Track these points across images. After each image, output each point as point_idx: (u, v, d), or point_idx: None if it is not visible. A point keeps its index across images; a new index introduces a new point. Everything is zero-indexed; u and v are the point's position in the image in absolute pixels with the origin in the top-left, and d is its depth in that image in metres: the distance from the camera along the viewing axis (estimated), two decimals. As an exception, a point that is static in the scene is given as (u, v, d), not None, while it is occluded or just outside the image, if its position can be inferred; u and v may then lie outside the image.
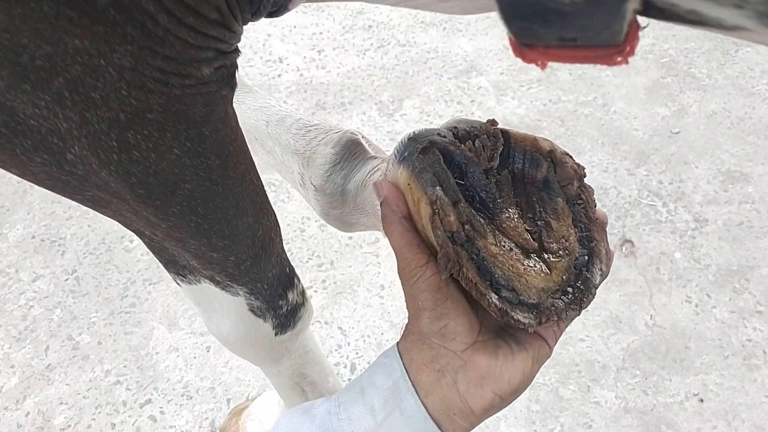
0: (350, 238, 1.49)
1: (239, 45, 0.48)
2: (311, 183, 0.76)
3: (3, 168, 0.49)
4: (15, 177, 1.74)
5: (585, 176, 0.49)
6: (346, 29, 2.09)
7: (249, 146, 0.57)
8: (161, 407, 1.26)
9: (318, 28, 2.09)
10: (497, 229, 0.45)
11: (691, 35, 1.91)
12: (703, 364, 1.21)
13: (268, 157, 0.83)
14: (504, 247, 0.45)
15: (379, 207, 0.50)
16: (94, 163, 0.46)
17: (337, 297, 1.39)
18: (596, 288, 0.46)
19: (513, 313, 0.43)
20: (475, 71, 1.89)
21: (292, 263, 1.52)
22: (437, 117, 1.77)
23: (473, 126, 0.49)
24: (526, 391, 1.18)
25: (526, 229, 0.46)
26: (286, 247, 1.53)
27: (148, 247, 0.62)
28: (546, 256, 0.46)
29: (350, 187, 0.73)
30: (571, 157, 0.49)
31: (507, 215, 0.46)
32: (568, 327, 1.33)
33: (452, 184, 0.44)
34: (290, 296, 0.71)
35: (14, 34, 0.38)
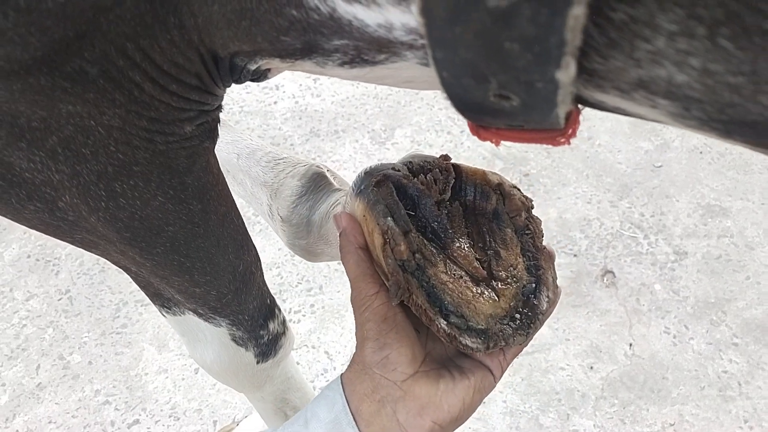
0: (339, 263, 1.52)
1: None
2: (278, 214, 0.79)
3: None
4: (13, 197, 1.78)
5: (533, 208, 0.52)
6: (341, 58, 2.14)
7: None
8: (149, 428, 1.28)
9: (314, 57, 2.15)
10: (448, 258, 0.47)
11: (675, 72, 1.97)
12: (679, 394, 1.24)
13: (239, 189, 0.86)
14: (454, 275, 0.46)
15: None
16: (84, 210, 0.50)
17: (325, 321, 1.42)
18: (544, 315, 0.48)
19: (461, 339, 0.45)
20: (466, 102, 1.94)
21: (282, 287, 1.55)
22: (428, 146, 1.82)
23: (427, 161, 0.51)
24: (507, 417, 1.21)
25: (476, 258, 0.48)
26: (276, 272, 1.56)
27: (135, 282, 0.65)
28: (495, 283, 0.48)
29: (315, 218, 0.77)
30: (519, 189, 0.52)
31: (458, 245, 0.48)
32: (550, 355, 1.34)
33: (403, 215, 0.46)
34: (271, 326, 0.74)
35: (13, 103, 0.42)
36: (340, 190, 0.77)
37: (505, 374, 1.28)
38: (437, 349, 0.49)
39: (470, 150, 1.80)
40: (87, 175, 0.47)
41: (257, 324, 0.72)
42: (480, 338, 0.45)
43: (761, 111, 0.27)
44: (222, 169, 0.83)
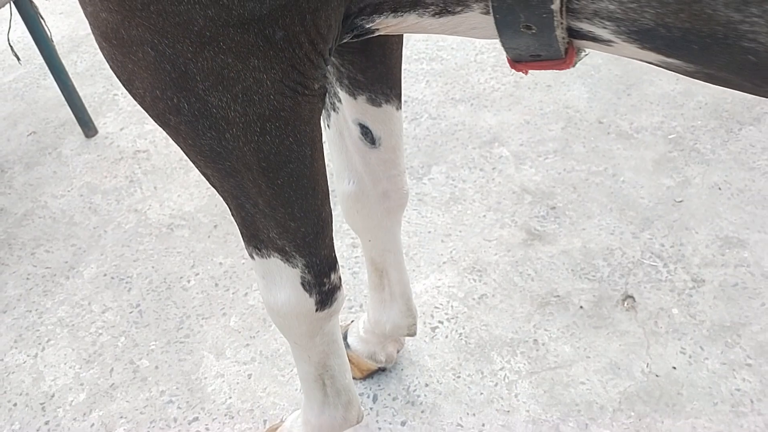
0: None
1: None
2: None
3: (176, 137, 0.73)
4: (92, 223, 2.01)
5: None
6: (384, 103, 2.34)
7: None
8: (207, 424, 1.44)
9: (359, 101, 2.35)
10: None
11: (698, 114, 2.09)
12: (693, 409, 1.32)
13: None
14: None
15: None
16: (241, 141, 0.70)
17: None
18: None
19: None
20: (498, 142, 2.10)
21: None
22: (461, 182, 1.98)
23: None
24: (530, 425, 1.32)
25: None
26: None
27: (241, 222, 0.83)
28: None
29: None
30: None
31: None
32: (571, 371, 1.45)
33: None
34: (332, 276, 0.92)
35: (226, 55, 0.63)
36: None
37: (529, 387, 1.39)
38: None
39: (501, 185, 1.94)
40: (251, 115, 0.67)
41: (323, 271, 0.89)
42: None
43: (651, 18, 0.50)
44: None
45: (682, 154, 1.95)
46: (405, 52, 2.62)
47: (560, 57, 0.58)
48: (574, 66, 0.64)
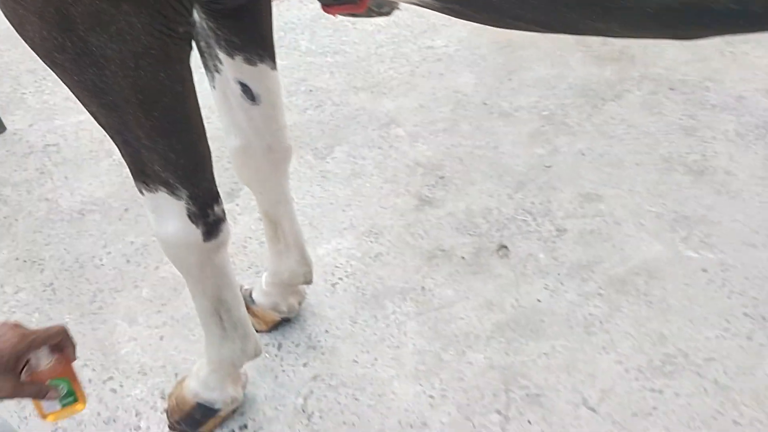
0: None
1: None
2: None
3: (62, 75, 0.85)
4: (2, 213, 2.05)
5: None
6: (290, 93, 2.50)
7: None
8: (120, 382, 1.53)
9: (267, 92, 2.50)
10: None
11: (569, 93, 2.36)
12: (553, 332, 1.54)
13: None
14: None
15: None
16: (119, 76, 0.83)
17: (270, 295, 1.69)
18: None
19: None
20: (395, 124, 2.29)
21: (235, 271, 1.83)
22: (362, 159, 2.15)
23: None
24: (415, 355, 1.49)
25: None
26: (230, 259, 1.86)
27: (129, 159, 0.96)
28: None
29: None
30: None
31: None
32: (452, 310, 1.65)
33: None
34: (216, 209, 1.05)
35: (105, 3, 0.77)
36: None
37: (416, 326, 1.57)
38: None
39: (396, 161, 2.13)
40: (125, 53, 0.81)
41: (207, 203, 1.03)
42: None
43: None
44: None
45: (553, 128, 2.20)
46: (310, 46, 2.78)
47: (354, 1, 0.75)
48: (379, 16, 0.83)
